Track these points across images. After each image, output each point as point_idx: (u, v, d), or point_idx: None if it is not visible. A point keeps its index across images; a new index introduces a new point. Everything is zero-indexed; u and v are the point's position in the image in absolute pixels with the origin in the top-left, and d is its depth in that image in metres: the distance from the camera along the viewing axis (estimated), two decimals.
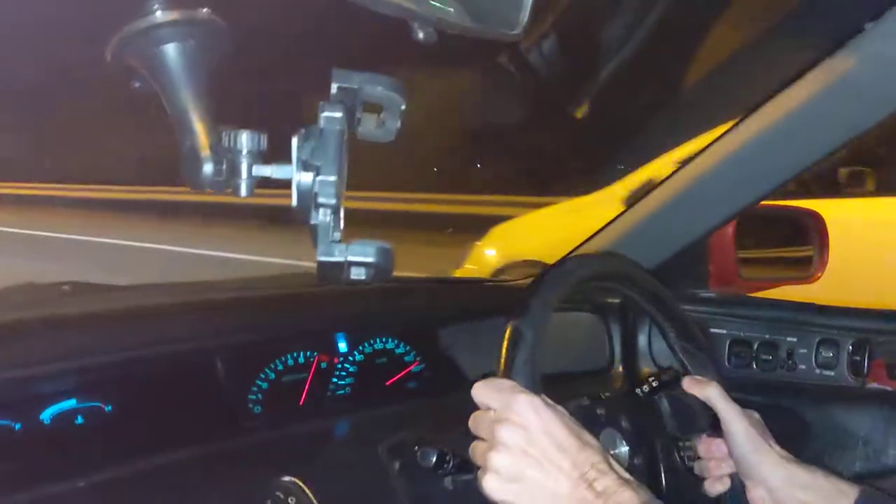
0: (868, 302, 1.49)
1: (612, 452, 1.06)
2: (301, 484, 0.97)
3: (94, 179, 11.89)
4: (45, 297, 1.14)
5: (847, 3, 1.13)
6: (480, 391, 0.89)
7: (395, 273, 0.68)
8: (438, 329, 1.36)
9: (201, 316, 1.15)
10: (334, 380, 1.23)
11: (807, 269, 1.73)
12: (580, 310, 1.54)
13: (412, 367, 1.31)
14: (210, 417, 1.07)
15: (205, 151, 0.63)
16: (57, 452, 0.93)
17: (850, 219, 3.26)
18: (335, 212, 0.63)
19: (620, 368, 1.56)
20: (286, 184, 0.65)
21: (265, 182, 0.66)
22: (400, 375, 1.29)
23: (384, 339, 1.29)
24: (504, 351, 0.92)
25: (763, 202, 1.41)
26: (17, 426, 0.91)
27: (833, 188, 3.66)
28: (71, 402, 0.96)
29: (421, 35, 0.58)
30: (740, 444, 1.05)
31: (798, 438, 1.37)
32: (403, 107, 0.67)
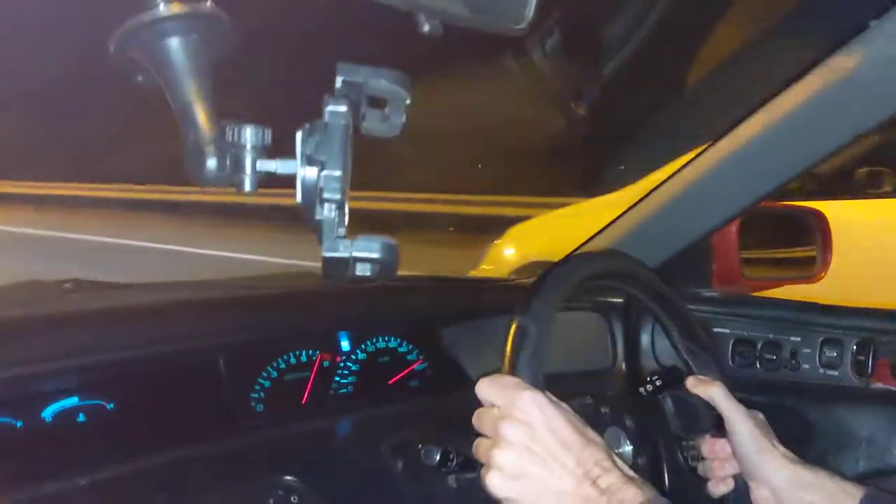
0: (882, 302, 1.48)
1: (615, 451, 1.06)
2: (303, 483, 0.96)
3: (97, 178, 11.89)
4: (48, 294, 1.14)
5: (851, 1, 1.12)
6: (484, 388, 0.88)
7: (399, 272, 0.68)
8: (441, 327, 1.36)
9: (203, 314, 1.14)
10: (337, 378, 1.22)
11: (810, 268, 1.73)
12: (583, 309, 1.54)
13: (415, 366, 1.30)
14: (212, 416, 1.07)
15: (208, 146, 0.62)
16: (58, 450, 0.93)
17: (867, 219, 3.20)
18: (340, 207, 0.63)
19: (623, 367, 1.55)
20: (290, 180, 0.64)
21: (269, 178, 0.66)
22: (403, 374, 1.29)
23: (386, 338, 1.28)
24: (508, 348, 0.91)
25: (766, 202, 1.41)
26: (19, 424, 0.91)
27: (850, 188, 3.59)
28: (73, 400, 0.95)
29: (427, 27, 0.58)
30: (744, 444, 1.05)
31: (802, 438, 1.37)
32: (408, 101, 0.66)
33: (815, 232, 1.73)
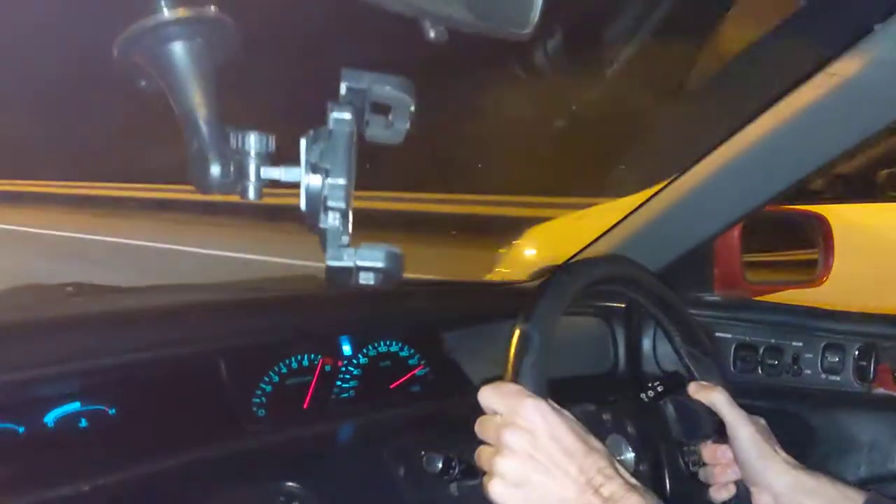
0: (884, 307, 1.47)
1: (618, 458, 1.06)
2: (305, 488, 0.96)
3: (99, 177, 11.89)
4: (49, 298, 1.13)
5: (856, 4, 1.12)
6: (487, 395, 0.88)
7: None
8: (443, 332, 1.36)
9: (205, 318, 1.14)
10: (338, 383, 1.22)
11: (812, 272, 1.73)
12: (585, 313, 1.54)
13: (416, 371, 1.30)
14: (214, 420, 1.07)
15: (212, 153, 0.62)
16: (61, 456, 0.93)
17: (869, 223, 3.18)
18: (344, 215, 0.62)
19: (625, 372, 1.55)
20: (294, 185, 0.64)
21: (273, 183, 0.65)
22: (404, 379, 1.29)
23: (388, 342, 1.28)
24: (511, 355, 0.91)
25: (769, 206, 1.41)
26: (21, 429, 0.91)
27: (872, 191, 3.56)
28: (75, 405, 0.95)
29: (432, 34, 0.57)
30: (746, 449, 1.05)
31: (803, 443, 1.37)
32: (412, 108, 0.66)
33: (818, 236, 1.73)
